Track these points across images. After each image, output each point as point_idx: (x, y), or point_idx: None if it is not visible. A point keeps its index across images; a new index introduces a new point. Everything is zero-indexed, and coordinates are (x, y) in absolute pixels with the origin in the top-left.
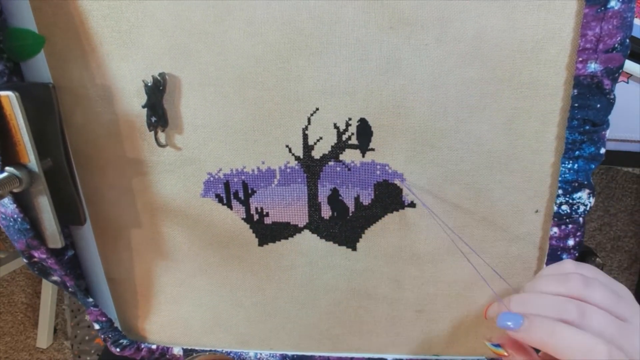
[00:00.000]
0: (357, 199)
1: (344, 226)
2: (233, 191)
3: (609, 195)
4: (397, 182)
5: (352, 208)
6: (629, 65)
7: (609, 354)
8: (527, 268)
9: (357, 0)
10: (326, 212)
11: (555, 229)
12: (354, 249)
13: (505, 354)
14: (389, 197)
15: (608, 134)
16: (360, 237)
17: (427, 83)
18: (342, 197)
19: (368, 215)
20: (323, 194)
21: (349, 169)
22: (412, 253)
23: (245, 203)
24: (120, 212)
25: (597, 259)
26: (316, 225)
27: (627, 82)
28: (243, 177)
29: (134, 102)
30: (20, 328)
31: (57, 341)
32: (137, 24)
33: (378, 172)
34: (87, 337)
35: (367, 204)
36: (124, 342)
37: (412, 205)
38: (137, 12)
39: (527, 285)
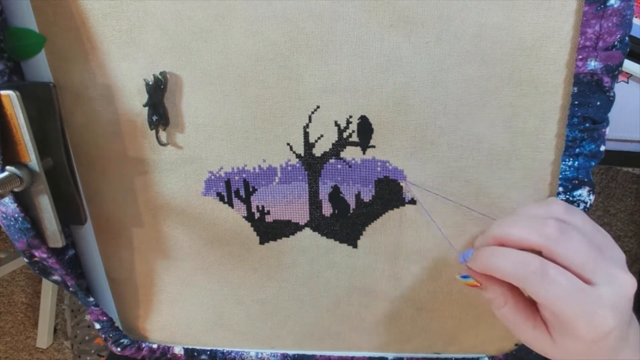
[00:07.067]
0: (357, 195)
1: (344, 223)
2: (234, 189)
3: (609, 195)
4: (398, 179)
5: (352, 205)
6: (629, 65)
7: (542, 266)
8: None
9: None
10: (327, 209)
11: None
12: (355, 246)
13: (477, 284)
14: (389, 194)
15: (608, 133)
16: (361, 234)
17: (427, 81)
18: (343, 194)
19: (369, 212)
20: (324, 192)
21: (350, 166)
22: (413, 250)
23: (247, 201)
24: (121, 211)
25: None
26: (317, 222)
27: (627, 82)
28: (244, 175)
29: (135, 101)
30: (20, 328)
31: (57, 341)
32: (137, 23)
33: (379, 169)
34: (87, 337)
35: (367, 200)
36: (125, 341)
37: (413, 202)
38: (138, 11)
39: (495, 223)
